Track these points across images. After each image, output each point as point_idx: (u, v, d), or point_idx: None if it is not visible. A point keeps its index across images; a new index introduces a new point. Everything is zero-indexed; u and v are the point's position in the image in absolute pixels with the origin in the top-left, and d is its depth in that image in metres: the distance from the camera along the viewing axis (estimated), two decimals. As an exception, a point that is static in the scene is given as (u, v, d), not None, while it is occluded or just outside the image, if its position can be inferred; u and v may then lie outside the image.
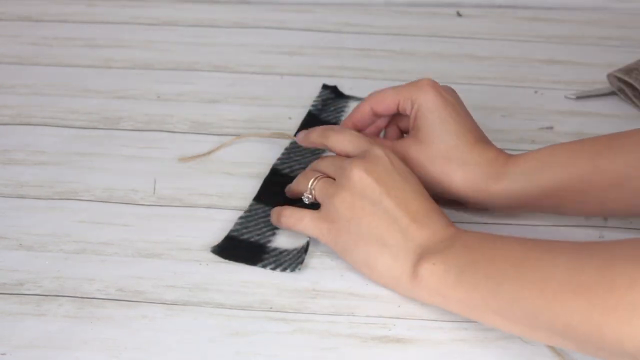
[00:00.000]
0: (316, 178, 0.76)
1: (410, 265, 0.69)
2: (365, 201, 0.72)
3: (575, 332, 0.59)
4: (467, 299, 0.66)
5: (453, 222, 0.72)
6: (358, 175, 0.72)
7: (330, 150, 0.79)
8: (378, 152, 0.74)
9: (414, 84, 0.80)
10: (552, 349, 0.67)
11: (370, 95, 0.82)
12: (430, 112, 0.78)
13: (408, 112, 0.80)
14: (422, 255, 0.69)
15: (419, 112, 0.79)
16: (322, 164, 0.77)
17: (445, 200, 0.78)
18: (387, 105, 0.81)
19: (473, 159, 0.77)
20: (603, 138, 0.75)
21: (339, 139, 0.77)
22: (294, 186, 0.79)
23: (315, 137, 0.79)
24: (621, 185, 0.73)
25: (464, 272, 0.66)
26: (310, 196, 0.76)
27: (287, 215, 0.76)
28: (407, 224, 0.70)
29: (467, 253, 0.67)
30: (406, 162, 0.77)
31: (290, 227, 0.76)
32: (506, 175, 0.76)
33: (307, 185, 0.76)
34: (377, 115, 0.83)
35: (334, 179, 0.75)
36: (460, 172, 0.77)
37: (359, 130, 0.83)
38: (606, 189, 0.73)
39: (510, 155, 0.78)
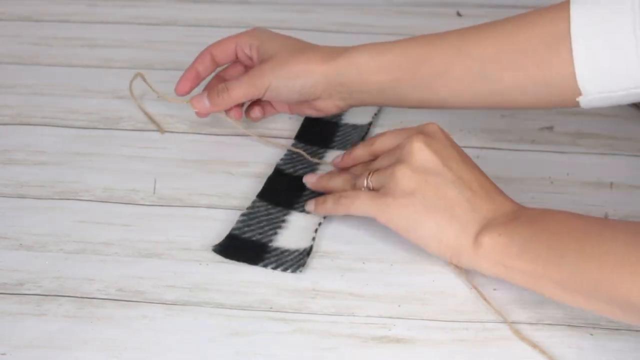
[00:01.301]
0: (371, 172, 0.76)
1: (475, 233, 0.70)
2: (428, 173, 0.73)
3: (635, 306, 0.61)
4: (529, 270, 0.67)
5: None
6: (418, 148, 0.73)
7: (379, 153, 0.79)
8: (433, 126, 0.76)
9: (248, 31, 0.89)
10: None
11: (211, 44, 0.89)
12: (269, 37, 0.87)
13: (247, 52, 0.88)
14: (487, 226, 0.70)
15: (260, 45, 0.87)
16: (378, 162, 0.77)
17: (304, 106, 0.87)
18: (226, 50, 0.89)
19: (320, 47, 0.86)
20: (442, 32, 0.83)
21: (383, 138, 0.79)
22: (337, 184, 0.79)
23: (361, 153, 0.81)
24: (446, 73, 0.80)
25: (527, 244, 0.68)
26: (368, 186, 0.76)
27: (345, 196, 0.76)
28: (471, 195, 0.72)
29: (530, 226, 0.69)
30: (264, 81, 0.84)
31: (347, 208, 0.76)
32: (352, 51, 0.84)
33: (364, 180, 0.76)
34: (216, 63, 0.90)
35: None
36: (312, 53, 0.84)
37: (201, 77, 0.90)
38: (435, 75, 0.81)
39: None
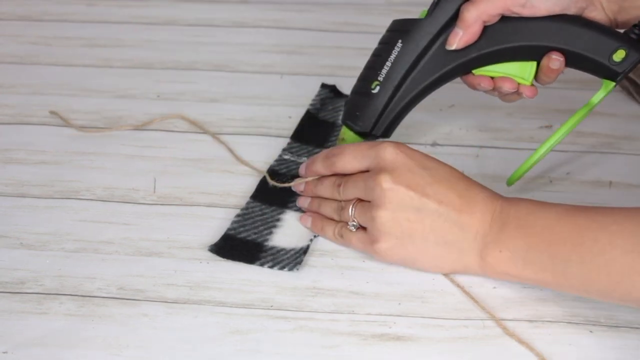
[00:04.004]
0: (353, 205, 0.75)
1: (476, 253, 0.71)
2: (408, 211, 0.71)
3: None
4: (539, 278, 0.69)
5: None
6: (388, 189, 0.71)
7: (340, 173, 0.77)
8: (390, 153, 0.73)
9: None
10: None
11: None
12: None
13: None
14: (485, 242, 0.70)
15: None
16: (349, 190, 0.75)
17: None
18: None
19: None
20: None
21: (344, 161, 0.76)
22: (327, 213, 0.78)
23: (320, 168, 0.78)
24: None
25: (528, 255, 0.68)
26: (355, 223, 0.75)
27: (340, 235, 0.76)
28: (456, 215, 0.71)
29: (524, 234, 0.69)
30: None
31: (343, 245, 0.77)
32: None
33: (348, 214, 0.75)
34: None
35: (368, 200, 0.74)
36: None
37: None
38: None
39: None
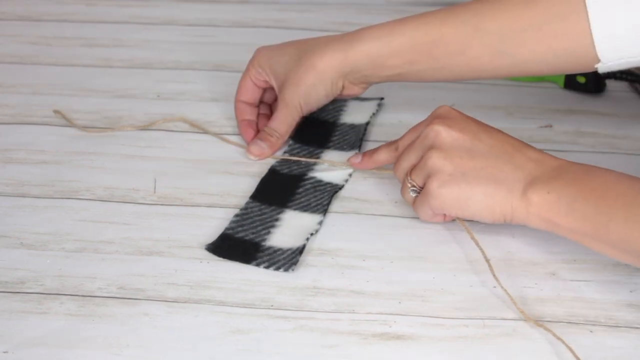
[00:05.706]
0: (407, 173, 0.77)
1: (523, 192, 0.72)
2: (460, 150, 0.73)
3: None
4: (578, 228, 0.69)
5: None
6: (442, 132, 0.74)
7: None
8: (445, 108, 0.76)
9: (252, 62, 0.90)
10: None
11: (236, 95, 0.91)
12: (272, 55, 0.88)
13: (264, 79, 0.89)
14: (533, 183, 0.71)
15: (269, 67, 0.88)
16: (406, 157, 0.78)
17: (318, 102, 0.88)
18: (248, 89, 0.90)
19: (323, 43, 0.86)
20: (451, 7, 0.82)
21: (405, 138, 0.79)
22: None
23: (385, 156, 0.82)
24: (463, 52, 0.80)
25: (574, 203, 0.69)
26: (414, 187, 0.77)
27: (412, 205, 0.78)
28: (508, 157, 0.73)
29: (577, 184, 0.70)
30: (290, 100, 0.87)
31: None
32: (360, 40, 0.84)
33: (407, 183, 0.77)
34: (254, 104, 0.91)
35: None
36: (318, 57, 0.85)
37: (254, 122, 0.90)
38: (451, 55, 0.81)
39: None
